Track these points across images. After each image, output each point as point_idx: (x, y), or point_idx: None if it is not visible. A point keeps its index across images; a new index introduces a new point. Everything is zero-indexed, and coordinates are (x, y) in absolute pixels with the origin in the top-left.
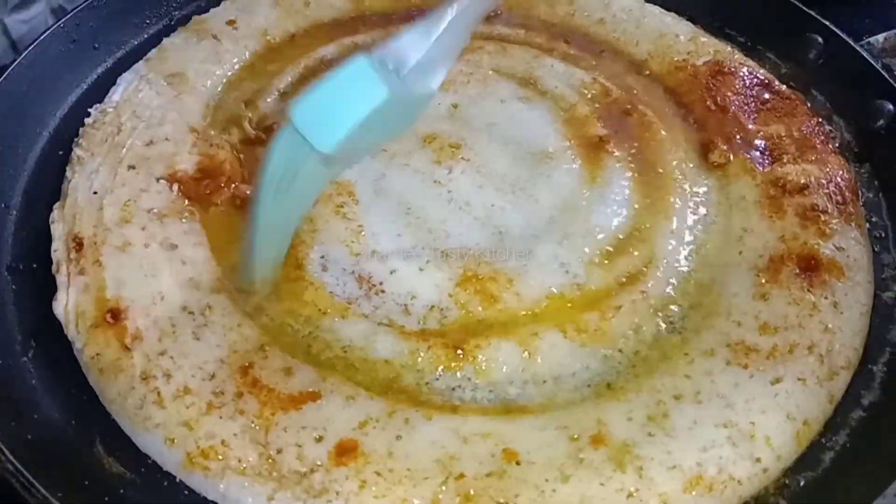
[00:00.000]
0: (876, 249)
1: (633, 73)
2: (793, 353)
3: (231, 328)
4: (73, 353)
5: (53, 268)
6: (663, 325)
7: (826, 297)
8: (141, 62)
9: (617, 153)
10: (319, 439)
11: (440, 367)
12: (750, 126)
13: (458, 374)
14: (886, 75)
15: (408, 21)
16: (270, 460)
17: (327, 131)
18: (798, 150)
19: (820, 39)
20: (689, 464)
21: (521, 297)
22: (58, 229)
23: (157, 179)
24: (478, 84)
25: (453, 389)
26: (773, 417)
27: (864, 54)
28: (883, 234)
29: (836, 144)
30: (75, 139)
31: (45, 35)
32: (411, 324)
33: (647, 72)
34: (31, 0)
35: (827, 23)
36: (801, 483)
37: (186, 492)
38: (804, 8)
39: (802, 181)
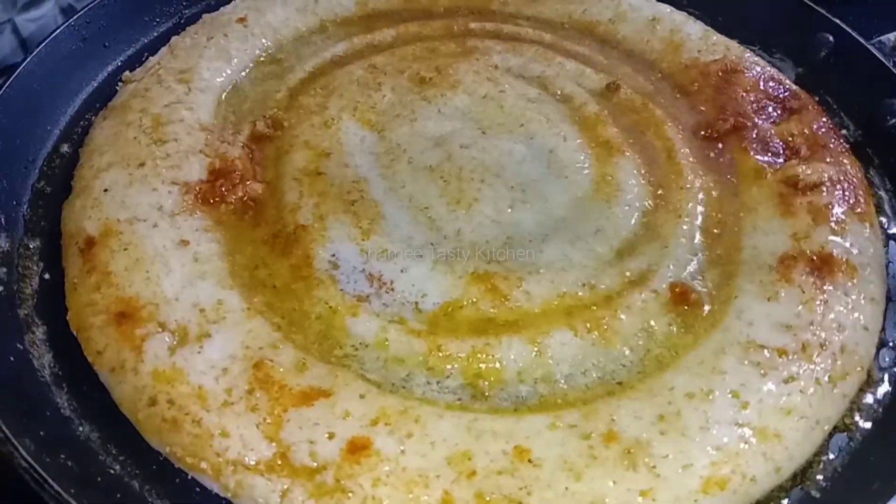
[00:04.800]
0: (888, 247)
1: (645, 72)
2: (805, 351)
3: (243, 325)
4: (85, 351)
5: (63, 266)
6: (674, 324)
7: (838, 296)
8: (151, 60)
9: (628, 153)
10: (331, 436)
11: (450, 365)
12: (761, 125)
13: (469, 371)
14: None
15: (416, 20)
16: (282, 457)
17: None
18: (809, 148)
19: (830, 38)
20: (702, 462)
21: (531, 296)
22: (68, 227)
23: (169, 176)
24: (489, 83)
25: (464, 387)
26: (786, 417)
27: (875, 53)
28: (895, 232)
29: (848, 143)
30: (85, 137)
31: (55, 33)
32: (421, 322)
33: (658, 71)
34: None
35: (838, 21)
36: (815, 482)
37: (198, 489)
38: (815, 6)
39: (814, 180)
